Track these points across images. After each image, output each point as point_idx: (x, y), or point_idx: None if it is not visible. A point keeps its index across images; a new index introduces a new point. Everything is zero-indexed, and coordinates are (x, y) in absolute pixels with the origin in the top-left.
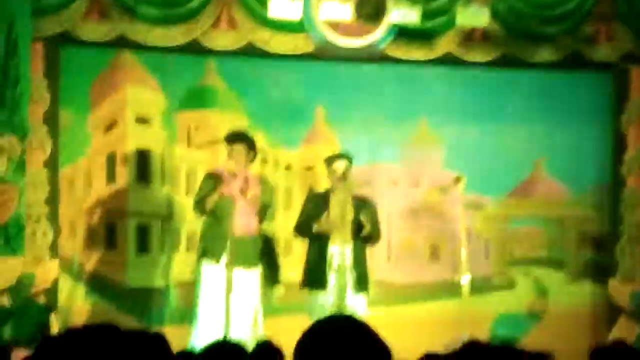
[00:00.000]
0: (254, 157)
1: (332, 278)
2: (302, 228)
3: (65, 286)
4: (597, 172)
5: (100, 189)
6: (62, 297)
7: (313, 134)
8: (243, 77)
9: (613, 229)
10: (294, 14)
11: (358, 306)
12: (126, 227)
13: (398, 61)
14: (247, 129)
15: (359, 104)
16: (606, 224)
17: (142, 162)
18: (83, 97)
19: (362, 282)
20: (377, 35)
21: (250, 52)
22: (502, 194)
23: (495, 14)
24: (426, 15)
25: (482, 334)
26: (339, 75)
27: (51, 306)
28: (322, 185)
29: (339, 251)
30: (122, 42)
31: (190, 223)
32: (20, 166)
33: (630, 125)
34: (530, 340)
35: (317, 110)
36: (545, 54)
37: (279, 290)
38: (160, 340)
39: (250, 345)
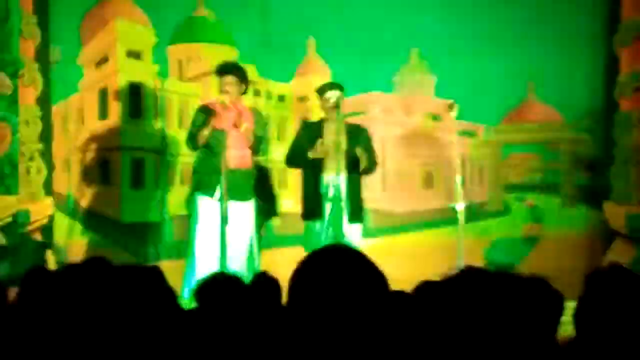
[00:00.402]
0: (246, 88)
1: (327, 208)
2: (295, 157)
3: (61, 223)
4: (590, 95)
5: (93, 124)
6: (57, 234)
7: (305, 65)
8: (234, 8)
9: (607, 152)
10: None
11: (354, 236)
12: (120, 163)
13: None
14: (238, 60)
15: (351, 34)
16: (600, 147)
17: (134, 97)
18: (73, 33)
19: (357, 212)
20: None
21: None
22: (496, 120)
23: None
24: None
25: (478, 261)
26: (331, 5)
27: (47, 243)
28: (315, 116)
29: (334, 181)
30: None
31: (185, 157)
32: (12, 104)
33: (623, 47)
34: (526, 265)
35: (309, 41)
36: None
37: (275, 222)
38: (156, 274)
39: (247, 278)
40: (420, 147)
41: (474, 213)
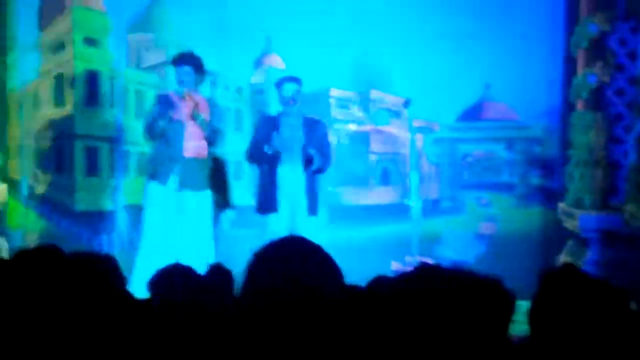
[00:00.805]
0: (202, 79)
1: (283, 201)
2: (254, 153)
3: (14, 209)
4: (547, 95)
5: (49, 111)
6: (10, 220)
7: (263, 58)
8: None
9: (562, 153)
10: None
11: (309, 230)
12: (74, 150)
13: None
14: (196, 51)
15: (308, 28)
16: (556, 147)
17: (91, 84)
18: (31, 18)
19: (313, 206)
20: None
21: None
22: (452, 117)
23: None
24: None
25: (432, 257)
26: None
27: (1, 230)
28: (272, 109)
29: (290, 174)
30: None
31: (141, 146)
32: None
33: (580, 48)
34: (479, 264)
35: (267, 33)
36: None
37: (229, 214)
38: (109, 262)
39: (201, 269)
40: (376, 143)
41: (429, 210)
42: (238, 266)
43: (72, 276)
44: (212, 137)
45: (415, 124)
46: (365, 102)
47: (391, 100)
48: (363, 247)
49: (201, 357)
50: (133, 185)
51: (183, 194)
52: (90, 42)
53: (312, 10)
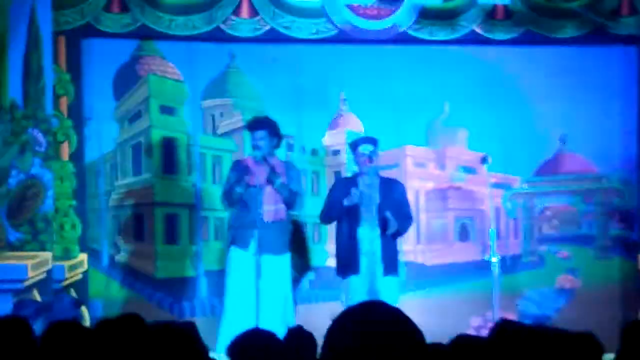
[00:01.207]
0: (279, 142)
1: (362, 262)
2: (330, 211)
3: (95, 279)
4: (623, 146)
5: (127, 180)
6: (92, 290)
7: (338, 118)
8: (266, 63)
9: None
10: None
11: (390, 289)
12: (154, 218)
13: (421, 42)
14: (271, 115)
15: (383, 87)
16: (634, 198)
17: (168, 152)
18: (106, 89)
19: (392, 265)
20: (398, 16)
21: (272, 37)
22: (529, 171)
23: None
24: None
25: (513, 313)
26: (362, 58)
27: (82, 300)
28: (349, 170)
29: (369, 235)
30: (144, 33)
31: (218, 212)
32: (46, 160)
33: None
34: (561, 318)
35: (341, 94)
36: (568, 30)
37: (309, 277)
38: (190, 331)
39: (281, 333)
40: (454, 199)
41: (509, 265)
42: (318, 329)
43: (154, 346)
44: (290, 200)
45: (493, 179)
46: (441, 160)
47: (468, 157)
48: (443, 305)
49: None
50: (212, 251)
51: (263, 258)
52: (166, 109)
53: (386, 68)
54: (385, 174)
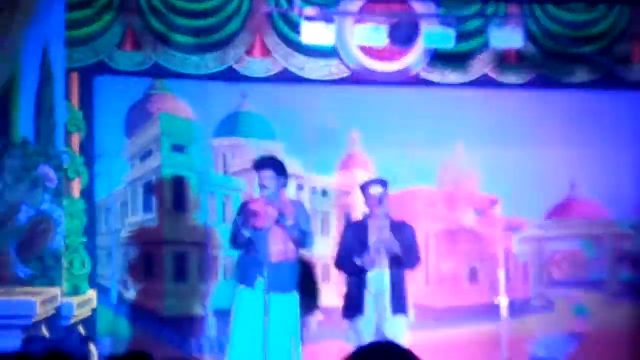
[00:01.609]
0: (286, 182)
1: (370, 303)
2: (343, 262)
3: (104, 316)
4: (634, 191)
5: (137, 217)
6: (100, 327)
7: (349, 159)
8: (278, 103)
9: None
10: (327, 40)
11: (398, 330)
12: (163, 256)
13: (433, 85)
14: (278, 154)
15: (394, 128)
16: None
17: (179, 190)
18: (118, 127)
19: (401, 306)
20: (411, 59)
21: (285, 78)
22: (540, 215)
23: (529, 35)
24: (460, 38)
25: (523, 357)
26: (374, 100)
27: (90, 336)
28: (359, 210)
29: (377, 276)
30: (156, 71)
31: (228, 251)
32: (56, 197)
33: None
34: None
35: (352, 135)
36: (580, 75)
37: (317, 316)
38: None
39: None
40: (464, 242)
41: (518, 309)
42: None
43: None
44: (300, 240)
45: (503, 223)
46: (452, 202)
47: (478, 198)
48: (452, 347)
49: None
50: (222, 290)
51: (270, 297)
52: (177, 148)
53: (397, 110)
54: (395, 216)
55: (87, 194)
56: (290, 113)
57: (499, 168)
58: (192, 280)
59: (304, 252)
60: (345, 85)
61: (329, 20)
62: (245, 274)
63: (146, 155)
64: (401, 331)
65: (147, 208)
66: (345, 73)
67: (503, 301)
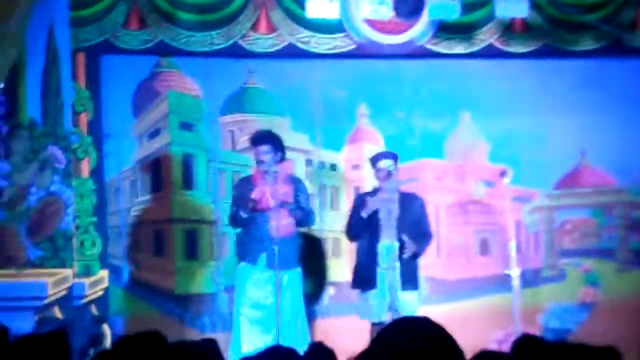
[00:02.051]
0: (283, 156)
1: (382, 277)
2: (353, 230)
3: (116, 296)
4: None
5: (147, 196)
6: (112, 306)
7: (357, 133)
8: (284, 78)
9: None
10: (332, 14)
11: (410, 304)
12: (173, 234)
13: (439, 56)
14: (286, 129)
15: (402, 101)
16: None
17: (187, 168)
18: (126, 106)
19: (412, 280)
20: (416, 31)
21: (290, 53)
22: (549, 185)
23: (534, 4)
24: (465, 8)
25: (535, 327)
26: (381, 73)
27: (103, 316)
28: (368, 184)
29: (388, 249)
30: (162, 49)
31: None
32: (65, 177)
33: None
34: (582, 332)
35: (360, 108)
36: (586, 42)
37: (329, 291)
38: (212, 347)
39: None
40: (474, 213)
41: (530, 279)
42: (338, 343)
43: None
44: (301, 219)
45: (513, 193)
46: (461, 174)
47: (487, 169)
48: (464, 319)
49: None
50: (232, 267)
51: (273, 273)
52: (185, 126)
53: (404, 82)
54: (405, 188)
55: (96, 173)
56: (296, 88)
57: (507, 138)
58: (202, 258)
59: (308, 229)
60: (352, 59)
61: None
62: (246, 251)
63: (154, 133)
64: (413, 305)
65: (156, 187)
66: (351, 46)
67: (514, 272)
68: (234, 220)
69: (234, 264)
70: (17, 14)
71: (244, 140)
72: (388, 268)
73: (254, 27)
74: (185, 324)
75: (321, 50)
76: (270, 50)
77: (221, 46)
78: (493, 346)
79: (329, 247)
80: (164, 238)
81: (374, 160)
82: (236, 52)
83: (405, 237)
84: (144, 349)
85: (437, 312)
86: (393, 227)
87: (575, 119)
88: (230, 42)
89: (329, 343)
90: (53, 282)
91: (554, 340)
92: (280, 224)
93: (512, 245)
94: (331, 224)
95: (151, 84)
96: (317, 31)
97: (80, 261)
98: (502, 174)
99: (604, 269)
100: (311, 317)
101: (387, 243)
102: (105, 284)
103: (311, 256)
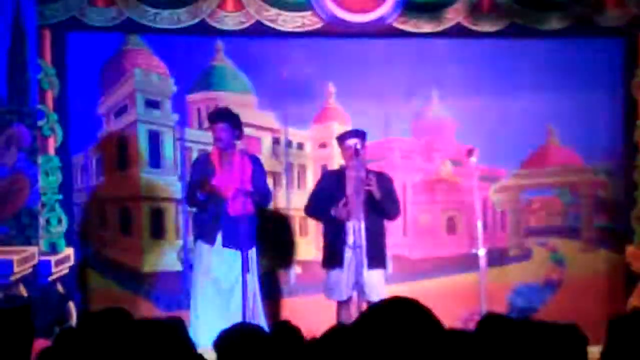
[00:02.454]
0: (240, 134)
1: (348, 255)
2: (315, 209)
3: (82, 273)
4: (609, 138)
5: (113, 174)
6: (78, 284)
7: (324, 111)
8: (251, 56)
9: (627, 195)
10: None
11: (375, 283)
12: (140, 212)
13: (407, 34)
14: (253, 107)
15: (369, 79)
16: (620, 190)
17: (154, 146)
18: (92, 83)
19: (379, 258)
20: (384, 9)
21: (258, 31)
22: (516, 164)
23: None
24: None
25: (501, 306)
26: (348, 51)
27: (68, 294)
28: (335, 163)
29: (355, 228)
30: (129, 26)
31: None
32: (31, 155)
33: None
34: (547, 310)
35: (327, 87)
36: (554, 22)
37: (295, 270)
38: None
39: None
40: (441, 192)
41: (496, 258)
42: (304, 322)
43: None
44: (258, 201)
45: (480, 172)
46: (428, 152)
47: (455, 148)
48: (430, 298)
49: None
50: None
51: (229, 252)
52: (152, 103)
53: (372, 61)
54: (372, 166)
55: (62, 151)
56: (264, 66)
57: (475, 117)
58: (169, 236)
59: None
60: (319, 37)
61: None
62: (203, 230)
63: (121, 111)
64: (379, 283)
65: (122, 164)
66: (319, 24)
67: (481, 251)
68: (190, 201)
69: None
70: None
71: None
72: (355, 246)
73: (221, 4)
74: (151, 302)
75: (288, 28)
76: (237, 28)
77: (188, 24)
78: (458, 325)
79: (295, 226)
80: (131, 216)
81: (341, 138)
82: (203, 30)
83: (377, 195)
84: (109, 325)
85: (403, 290)
86: (360, 206)
87: (543, 98)
88: (198, 19)
89: (295, 321)
90: (18, 259)
91: (519, 318)
92: (237, 202)
93: (479, 224)
94: (298, 203)
95: (118, 62)
96: (284, 9)
97: (46, 239)
98: (470, 152)
99: (569, 248)
100: (278, 295)
101: (354, 221)
102: (71, 261)
103: (278, 235)
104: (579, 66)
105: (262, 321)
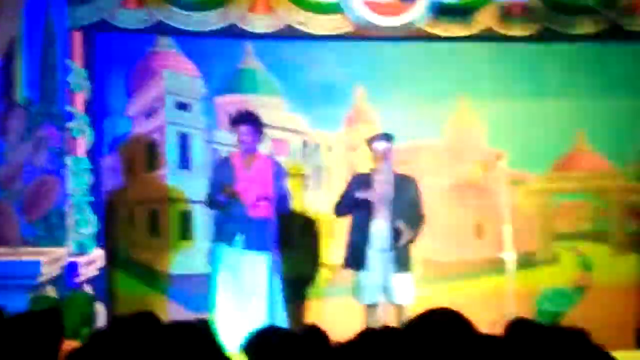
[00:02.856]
0: (262, 138)
1: (374, 258)
2: (342, 207)
3: (110, 275)
4: (638, 142)
5: (143, 176)
6: (107, 286)
7: (354, 114)
8: (282, 59)
9: None
10: None
11: (403, 286)
12: (169, 214)
13: (437, 38)
14: (282, 110)
15: (399, 83)
16: None
17: (183, 148)
18: (122, 85)
19: (405, 262)
20: (415, 13)
21: (288, 34)
22: (545, 168)
23: None
24: None
25: (529, 310)
26: (378, 54)
27: (97, 296)
28: (365, 166)
29: (381, 230)
30: (159, 28)
31: None
32: (60, 156)
33: None
34: (575, 315)
35: (357, 90)
36: (584, 26)
37: (324, 273)
38: (208, 328)
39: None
40: (469, 196)
41: (524, 262)
42: (332, 325)
43: (169, 344)
44: (277, 204)
45: (509, 175)
46: (457, 156)
47: (483, 153)
48: (458, 302)
49: None
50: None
51: (246, 255)
52: (181, 105)
53: (402, 64)
54: (400, 170)
55: (92, 152)
56: (294, 69)
57: (504, 121)
58: (198, 238)
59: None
60: (349, 40)
61: None
62: (223, 232)
63: (150, 113)
64: (407, 287)
65: (152, 166)
66: (349, 28)
67: (509, 255)
68: (211, 203)
69: None
70: None
71: None
72: (382, 250)
73: (252, 7)
74: (181, 304)
75: (319, 31)
76: (267, 31)
77: (218, 26)
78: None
79: (323, 229)
80: (159, 218)
81: (370, 141)
82: (233, 33)
83: (401, 224)
84: (138, 329)
85: (431, 294)
86: (387, 209)
87: (573, 102)
88: (228, 22)
89: (323, 324)
90: (47, 261)
91: (547, 323)
92: (258, 206)
93: (507, 228)
94: (325, 206)
95: (148, 64)
96: (315, 12)
97: (75, 240)
98: (499, 157)
99: (598, 252)
100: (303, 298)
101: (381, 224)
102: (100, 263)
103: (305, 237)
104: (609, 71)
105: (284, 324)
